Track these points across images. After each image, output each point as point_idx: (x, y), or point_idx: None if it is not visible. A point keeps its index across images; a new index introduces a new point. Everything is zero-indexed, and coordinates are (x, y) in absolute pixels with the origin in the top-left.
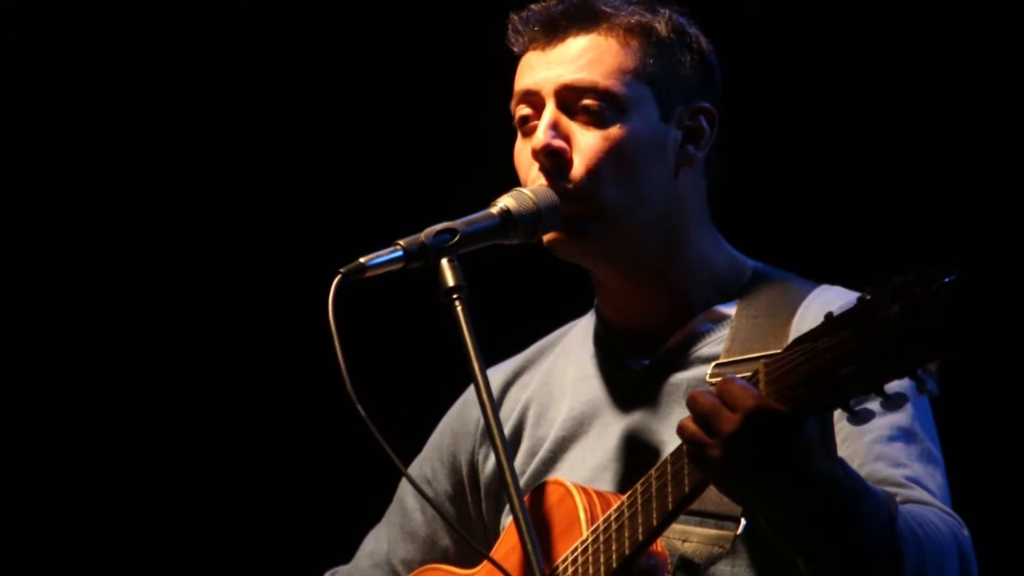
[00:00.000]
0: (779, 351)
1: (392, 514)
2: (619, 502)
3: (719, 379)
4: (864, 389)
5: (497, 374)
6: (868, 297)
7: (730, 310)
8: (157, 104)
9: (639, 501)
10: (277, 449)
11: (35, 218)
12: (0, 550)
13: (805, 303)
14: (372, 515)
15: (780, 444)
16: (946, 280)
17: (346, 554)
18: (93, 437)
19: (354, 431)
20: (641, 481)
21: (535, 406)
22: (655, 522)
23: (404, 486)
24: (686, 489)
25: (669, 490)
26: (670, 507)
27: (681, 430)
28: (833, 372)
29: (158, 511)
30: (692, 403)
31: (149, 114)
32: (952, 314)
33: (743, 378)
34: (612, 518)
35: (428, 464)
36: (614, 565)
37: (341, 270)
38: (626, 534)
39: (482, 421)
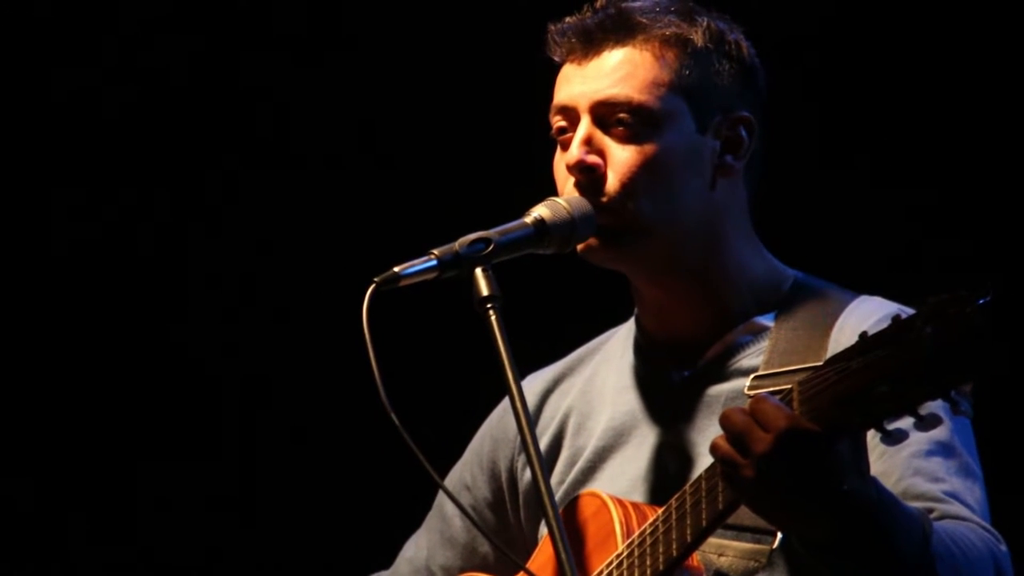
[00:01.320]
0: (815, 366)
1: (432, 520)
2: (654, 516)
3: (755, 393)
4: (897, 410)
5: (537, 381)
6: (902, 317)
7: (769, 322)
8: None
9: (674, 516)
10: (316, 455)
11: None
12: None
13: (844, 315)
14: (412, 521)
15: (813, 464)
16: (981, 301)
17: (386, 559)
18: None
19: (394, 438)
20: (676, 496)
21: (575, 415)
22: (689, 538)
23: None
24: (720, 506)
25: (703, 507)
26: (704, 523)
27: (714, 449)
28: (867, 392)
29: (202, 517)
30: (725, 422)
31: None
32: (987, 336)
33: (777, 396)
34: (647, 532)
35: (468, 470)
36: None
37: (375, 279)
38: (660, 549)
39: None
